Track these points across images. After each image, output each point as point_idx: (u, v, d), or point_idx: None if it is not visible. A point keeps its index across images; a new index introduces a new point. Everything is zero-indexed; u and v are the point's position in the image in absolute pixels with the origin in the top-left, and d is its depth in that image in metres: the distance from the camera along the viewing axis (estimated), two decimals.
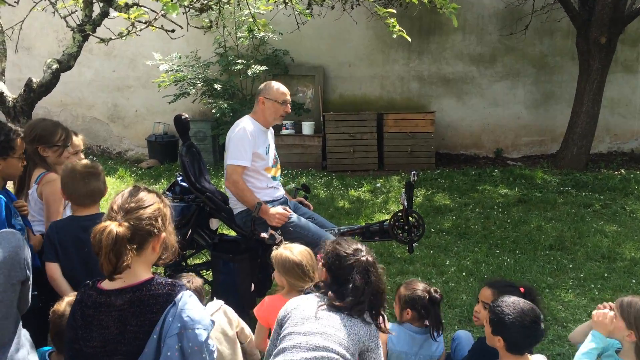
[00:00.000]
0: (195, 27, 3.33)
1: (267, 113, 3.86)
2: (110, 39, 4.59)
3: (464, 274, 4.89)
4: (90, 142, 9.69)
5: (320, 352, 2.20)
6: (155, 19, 2.91)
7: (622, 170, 8.49)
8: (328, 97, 9.74)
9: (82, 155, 3.64)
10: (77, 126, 9.60)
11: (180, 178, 4.07)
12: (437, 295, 2.95)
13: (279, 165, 4.05)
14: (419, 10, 9.21)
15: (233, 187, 3.68)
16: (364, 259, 2.44)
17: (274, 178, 3.94)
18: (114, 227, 1.72)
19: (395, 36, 3.91)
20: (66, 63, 4.81)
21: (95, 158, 9.29)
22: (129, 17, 2.50)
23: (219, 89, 8.70)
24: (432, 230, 6.03)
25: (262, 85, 3.95)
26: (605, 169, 8.65)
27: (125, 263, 1.72)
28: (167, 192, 4.08)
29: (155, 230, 1.81)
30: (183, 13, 3.21)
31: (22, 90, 4.47)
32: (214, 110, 8.48)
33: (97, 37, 3.21)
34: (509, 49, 9.62)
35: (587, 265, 5.06)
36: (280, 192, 3.99)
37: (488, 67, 9.72)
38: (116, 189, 7.47)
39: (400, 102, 9.77)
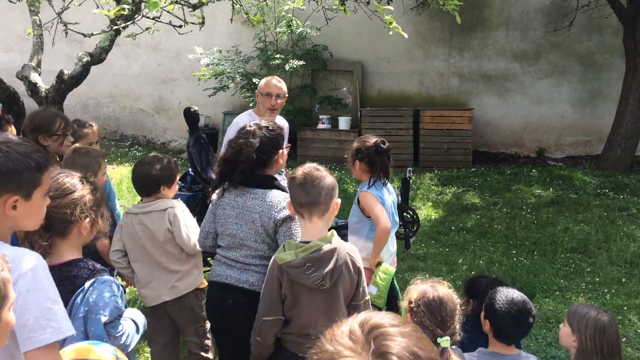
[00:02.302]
0: (193, 23, 3.48)
1: (261, 106, 4.02)
2: (135, 34, 4.83)
3: (473, 273, 4.85)
4: (136, 132, 10.11)
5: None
6: (142, 16, 3.07)
7: None
8: (366, 92, 9.76)
9: (97, 146, 3.83)
10: (124, 117, 10.05)
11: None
12: (384, 146, 3.20)
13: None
14: (461, 6, 9.06)
15: None
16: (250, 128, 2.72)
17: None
18: None
19: (391, 33, 3.93)
20: (98, 56, 5.09)
21: (140, 148, 9.70)
22: (108, 14, 2.66)
23: (257, 82, 8.88)
24: (453, 228, 6.00)
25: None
26: None
27: (40, 251, 1.78)
28: (179, 182, 4.26)
29: (74, 218, 1.88)
30: (179, 8, 3.36)
31: (54, 82, 4.77)
32: (251, 104, 8.67)
33: (88, 35, 3.36)
34: (554, 45, 9.34)
35: (606, 269, 4.91)
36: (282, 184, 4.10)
37: (532, 64, 9.47)
38: None
39: (439, 99, 9.67)
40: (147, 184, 3.07)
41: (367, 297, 2.40)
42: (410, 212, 3.88)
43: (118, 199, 6.36)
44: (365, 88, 9.73)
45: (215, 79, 8.86)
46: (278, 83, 4.07)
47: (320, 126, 9.28)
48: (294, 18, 9.05)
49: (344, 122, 9.29)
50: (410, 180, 3.97)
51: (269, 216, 2.59)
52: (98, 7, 4.20)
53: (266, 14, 9.11)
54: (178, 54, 9.83)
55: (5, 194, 1.58)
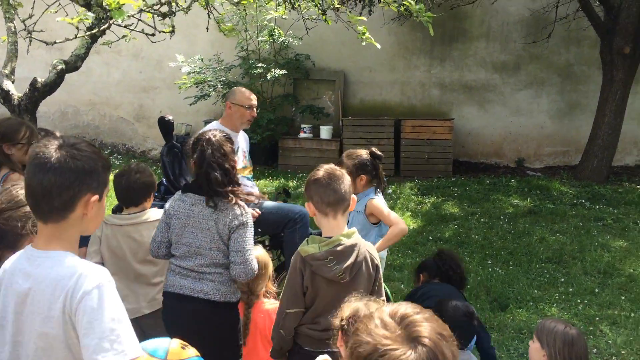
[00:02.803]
0: (163, 31, 3.47)
1: (234, 117, 4.04)
2: (110, 41, 4.80)
3: None
4: (116, 140, 10.04)
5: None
6: (109, 24, 3.06)
7: None
8: (349, 101, 9.79)
9: None
10: (104, 125, 9.98)
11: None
12: (378, 153, 3.38)
13: (250, 167, 4.21)
14: (442, 17, 9.14)
15: None
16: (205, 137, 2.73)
17: (247, 178, 4.10)
18: None
19: (364, 44, 3.96)
20: (73, 64, 5.03)
21: (120, 156, 9.63)
22: (72, 22, 2.64)
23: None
24: (430, 238, 6.01)
25: (230, 90, 4.12)
26: (627, 182, 8.38)
27: None
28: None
29: (25, 231, 1.85)
30: (156, 16, 3.35)
31: (27, 89, 4.71)
32: None
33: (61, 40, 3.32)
34: (533, 57, 9.44)
35: (580, 279, 4.95)
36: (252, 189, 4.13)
37: (511, 75, 9.57)
38: None
39: (420, 109, 9.72)
40: (137, 194, 3.04)
41: (383, 297, 2.46)
42: None
43: None
44: (347, 97, 9.76)
45: (197, 87, 8.84)
46: (253, 95, 4.13)
47: (302, 135, 9.28)
48: (276, 27, 9.08)
49: (325, 132, 9.29)
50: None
51: (224, 223, 2.65)
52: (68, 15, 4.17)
53: (248, 22, 9.12)
54: (159, 62, 9.79)
55: (87, 193, 1.59)
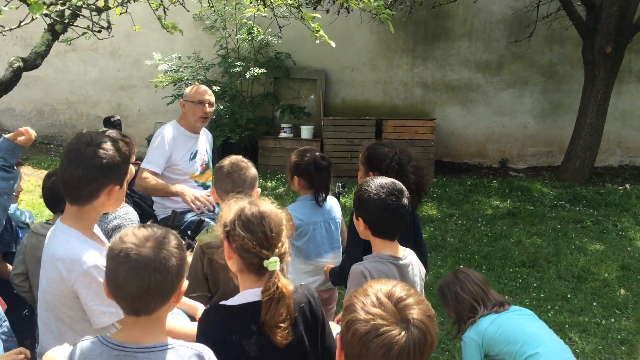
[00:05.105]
0: (102, 27, 3.31)
1: (188, 115, 3.88)
2: (70, 38, 4.65)
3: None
4: None
5: None
6: (70, 22, 2.91)
7: (627, 185, 8.12)
8: (330, 101, 9.66)
9: None
10: (81, 124, 9.81)
11: None
12: (323, 162, 3.10)
13: (210, 172, 4.00)
14: (424, 16, 9.05)
15: (142, 189, 3.69)
16: None
17: (202, 185, 3.91)
18: None
19: (318, 42, 3.81)
20: (32, 62, 4.86)
21: None
22: None
23: (217, 90, 8.71)
24: None
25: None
26: (609, 183, 8.29)
27: None
28: None
29: None
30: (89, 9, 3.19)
31: None
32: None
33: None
34: (516, 56, 9.34)
35: (553, 284, 4.83)
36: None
37: (494, 74, 9.46)
38: None
39: (403, 109, 9.60)
40: (61, 199, 2.86)
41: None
42: None
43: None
44: (329, 97, 9.63)
45: (174, 85, 8.68)
46: (208, 90, 3.95)
47: (282, 135, 9.13)
48: (255, 25, 8.92)
49: (306, 131, 9.15)
50: (340, 196, 3.85)
51: (104, 221, 2.69)
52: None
53: (227, 20, 8.98)
54: (137, 60, 9.62)
55: (110, 184, 1.92)
